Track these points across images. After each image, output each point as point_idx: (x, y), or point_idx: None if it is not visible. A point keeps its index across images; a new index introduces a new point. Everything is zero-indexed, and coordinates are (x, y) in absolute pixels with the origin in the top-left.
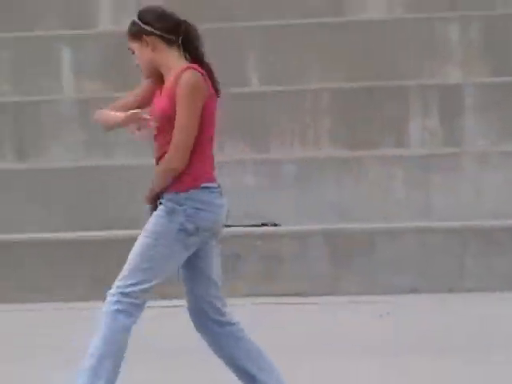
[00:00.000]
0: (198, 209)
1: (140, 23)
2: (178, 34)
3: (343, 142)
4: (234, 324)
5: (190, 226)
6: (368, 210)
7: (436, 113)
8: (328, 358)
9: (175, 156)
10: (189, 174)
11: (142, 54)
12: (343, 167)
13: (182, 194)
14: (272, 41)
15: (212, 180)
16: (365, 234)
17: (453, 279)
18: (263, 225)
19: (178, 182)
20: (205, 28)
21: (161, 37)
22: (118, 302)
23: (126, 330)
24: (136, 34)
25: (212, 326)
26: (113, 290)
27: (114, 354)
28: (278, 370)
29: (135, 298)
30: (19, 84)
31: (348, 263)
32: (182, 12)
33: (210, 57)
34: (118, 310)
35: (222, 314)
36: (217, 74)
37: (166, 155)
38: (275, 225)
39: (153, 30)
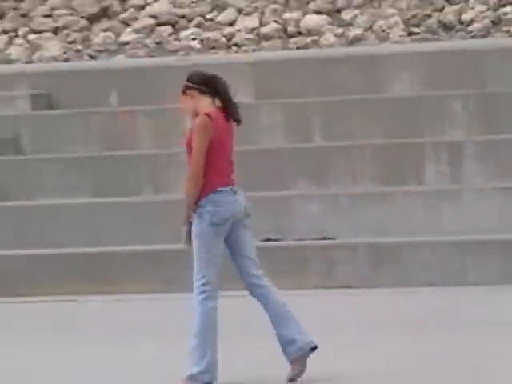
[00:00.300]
0: (216, 207)
1: (186, 83)
2: (209, 86)
3: (381, 181)
4: (262, 286)
5: (215, 220)
6: (398, 228)
7: (445, 160)
8: (374, 331)
9: (191, 170)
10: (207, 184)
11: (187, 103)
12: (381, 198)
13: (203, 199)
14: (331, 111)
15: (225, 184)
16: (396, 245)
17: (459, 276)
18: (323, 238)
19: (201, 192)
20: (283, 102)
21: (196, 89)
22: (201, 292)
23: (214, 309)
24: (183, 90)
25: (251, 287)
26: (195, 285)
27: (211, 329)
28: (303, 330)
29: (209, 284)
30: (156, 139)
31: (384, 265)
32: (266, 93)
33: (286, 123)
34: (204, 298)
35: (257, 278)
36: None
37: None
38: (330, 238)
39: (191, 84)
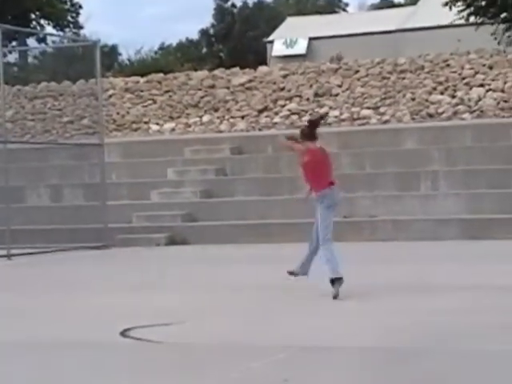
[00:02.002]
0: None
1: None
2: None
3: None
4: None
5: (327, 203)
6: (411, 212)
7: (430, 181)
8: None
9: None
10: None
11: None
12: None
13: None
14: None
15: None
16: (409, 220)
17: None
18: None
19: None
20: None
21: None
22: (325, 241)
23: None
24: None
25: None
26: (321, 240)
27: (334, 259)
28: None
29: (329, 239)
30: None
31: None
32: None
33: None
34: (328, 246)
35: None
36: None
37: None
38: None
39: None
